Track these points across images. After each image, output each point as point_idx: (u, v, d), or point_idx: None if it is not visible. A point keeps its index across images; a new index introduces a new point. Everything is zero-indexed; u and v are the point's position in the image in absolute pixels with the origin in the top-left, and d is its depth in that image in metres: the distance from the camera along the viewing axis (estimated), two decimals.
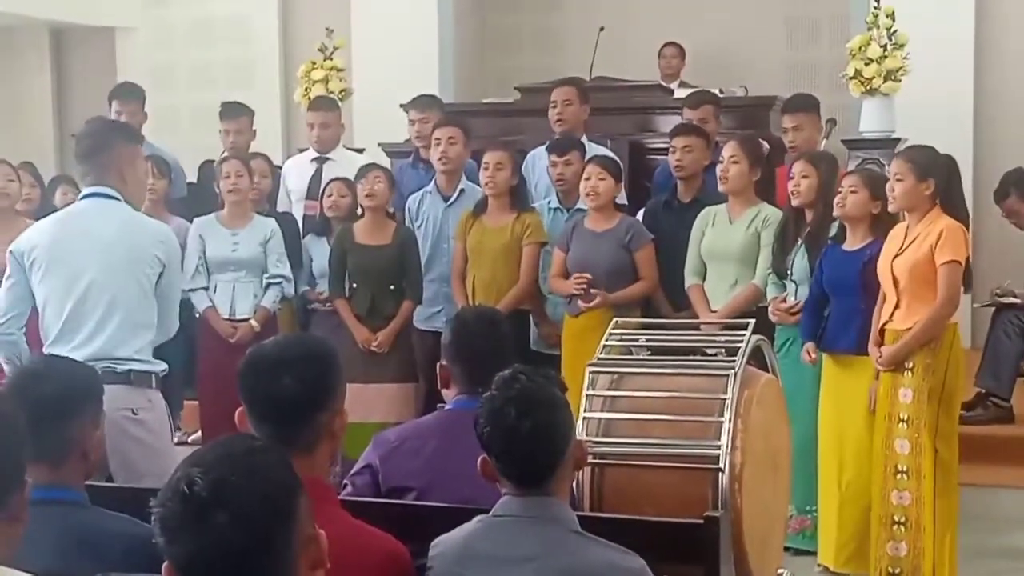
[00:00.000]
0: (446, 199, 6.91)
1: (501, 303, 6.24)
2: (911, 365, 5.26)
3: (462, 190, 6.89)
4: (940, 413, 5.24)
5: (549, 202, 6.84)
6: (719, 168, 6.18)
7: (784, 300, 5.90)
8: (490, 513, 2.78)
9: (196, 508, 1.80)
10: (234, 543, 1.80)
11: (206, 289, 6.67)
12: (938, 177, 5.31)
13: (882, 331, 5.36)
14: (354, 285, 6.60)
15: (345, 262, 6.61)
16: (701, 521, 3.03)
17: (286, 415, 2.69)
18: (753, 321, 4.12)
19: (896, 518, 5.26)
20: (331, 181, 7.04)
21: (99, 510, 2.86)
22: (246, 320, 6.62)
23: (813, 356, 5.64)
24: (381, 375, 6.31)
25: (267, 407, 2.72)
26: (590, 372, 3.88)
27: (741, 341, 3.90)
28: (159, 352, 4.71)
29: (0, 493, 2.12)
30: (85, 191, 4.60)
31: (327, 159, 7.72)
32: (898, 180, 5.32)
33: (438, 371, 3.62)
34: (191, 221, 6.83)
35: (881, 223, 5.53)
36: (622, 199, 6.71)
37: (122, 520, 2.78)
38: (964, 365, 5.56)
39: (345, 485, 3.43)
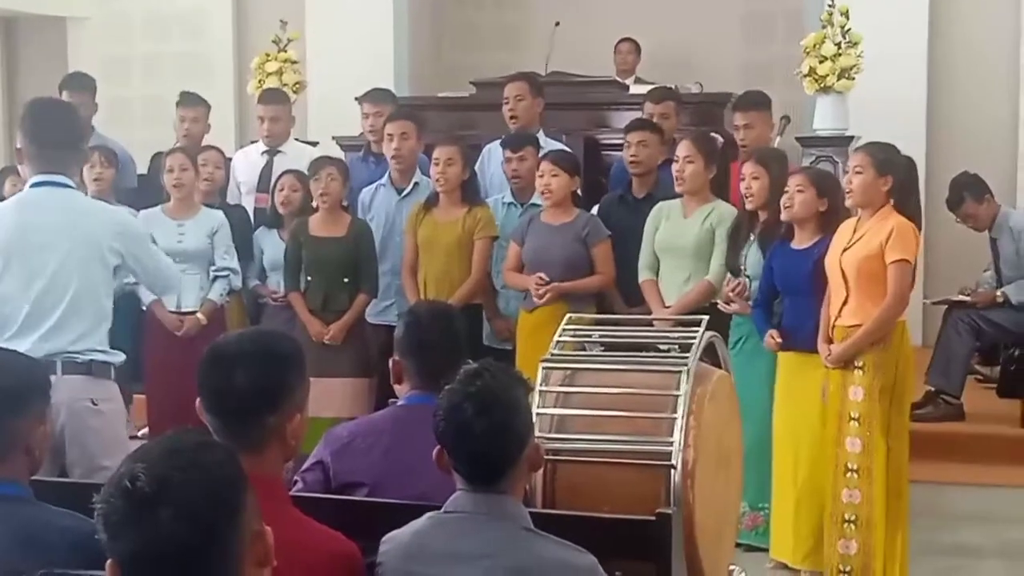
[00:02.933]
0: (400, 192, 6.89)
1: (453, 297, 6.22)
2: (861, 363, 5.26)
3: (416, 183, 6.87)
4: (891, 411, 5.25)
5: (503, 197, 6.82)
6: (674, 168, 6.17)
7: (729, 283, 5.90)
8: (441, 509, 2.76)
9: (139, 504, 1.78)
10: (177, 539, 1.78)
11: None
12: (896, 175, 5.33)
13: (832, 327, 5.37)
14: (309, 278, 6.56)
15: (300, 255, 6.56)
16: (653, 518, 3.02)
17: (234, 412, 2.65)
18: (707, 317, 4.10)
19: (846, 516, 5.27)
20: (283, 174, 6.99)
21: (44, 506, 2.81)
22: (193, 313, 6.54)
23: (778, 339, 5.62)
24: (335, 369, 6.23)
25: (217, 402, 2.68)
26: (543, 368, 3.85)
27: (694, 337, 3.88)
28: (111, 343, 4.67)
29: None
30: (41, 178, 4.51)
31: (278, 151, 7.67)
32: (857, 173, 5.32)
33: (391, 366, 3.60)
34: (139, 212, 6.76)
35: (828, 220, 5.54)
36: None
37: (68, 515, 2.74)
38: (914, 363, 5.59)
39: (296, 481, 3.40)
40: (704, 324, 3.99)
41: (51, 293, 4.42)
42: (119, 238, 4.55)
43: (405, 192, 6.86)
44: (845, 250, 5.33)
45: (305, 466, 3.45)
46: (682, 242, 6.14)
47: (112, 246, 4.52)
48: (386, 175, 6.97)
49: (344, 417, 5.42)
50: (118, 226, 4.61)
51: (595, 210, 6.68)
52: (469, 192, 6.57)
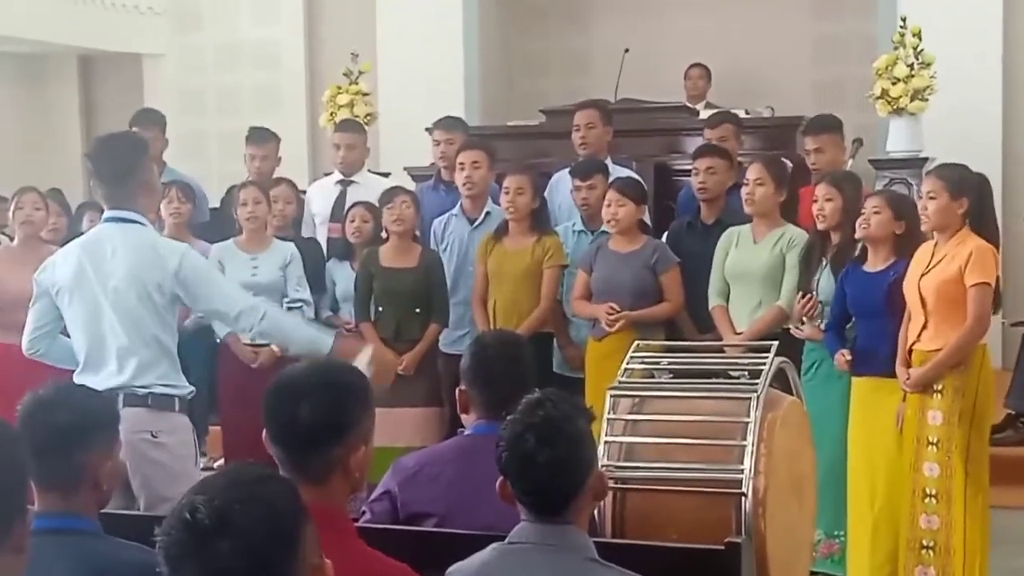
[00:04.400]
0: (472, 222, 6.90)
1: (521, 327, 6.22)
2: (940, 387, 5.19)
3: (488, 213, 6.88)
4: (971, 435, 5.17)
5: (573, 225, 6.81)
6: (744, 191, 6.13)
7: (801, 299, 5.83)
8: (505, 540, 2.74)
9: (199, 536, 1.78)
10: (236, 572, 1.78)
11: None
12: (971, 196, 5.26)
13: (910, 351, 5.30)
14: (379, 309, 6.58)
15: (371, 286, 6.58)
16: (723, 547, 2.99)
17: (298, 443, 2.66)
18: (776, 343, 4.07)
19: (925, 543, 5.19)
20: (354, 206, 7.02)
21: (113, 539, 2.83)
22: (267, 345, 6.56)
23: (848, 357, 5.55)
24: (407, 399, 6.22)
25: (281, 432, 2.69)
26: (611, 396, 3.83)
27: (764, 363, 3.85)
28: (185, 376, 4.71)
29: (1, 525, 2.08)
30: (109, 214, 4.58)
31: (351, 182, 7.69)
32: (931, 198, 5.26)
33: (457, 396, 3.59)
34: (212, 245, 6.81)
35: (904, 244, 5.47)
36: (648, 220, 6.68)
37: (135, 549, 2.75)
38: (994, 386, 5.49)
39: (364, 512, 3.40)
40: (774, 350, 3.95)
41: (109, 333, 4.46)
42: (174, 277, 4.52)
43: (477, 222, 6.88)
44: (923, 275, 5.26)
45: (373, 496, 3.46)
46: (752, 268, 6.09)
47: (168, 285, 4.51)
48: (458, 205, 6.99)
49: (416, 447, 5.41)
50: (175, 265, 4.54)
51: (664, 237, 6.65)
52: (539, 221, 6.58)
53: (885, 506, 5.46)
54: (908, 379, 5.26)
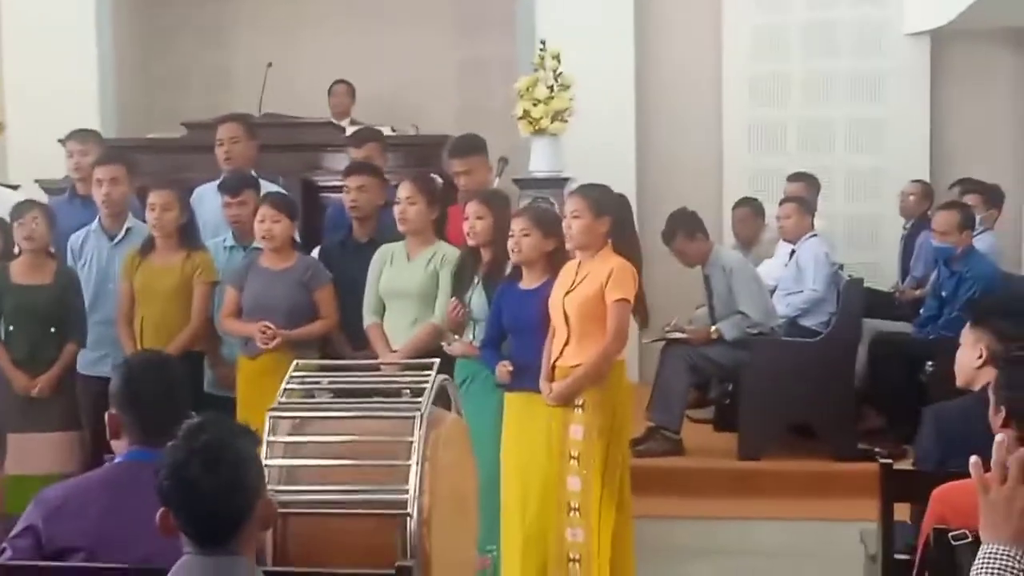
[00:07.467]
0: (112, 238, 6.63)
1: (171, 345, 6.01)
2: (581, 402, 5.31)
3: (129, 228, 6.62)
4: (610, 449, 5.30)
5: (224, 240, 6.64)
6: (396, 209, 6.09)
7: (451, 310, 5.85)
8: (169, 574, 2.59)
9: None
10: None
11: None
12: (613, 215, 5.41)
13: (554, 367, 5.39)
14: (10, 328, 6.25)
15: (2, 304, 6.23)
16: (392, 572, 2.92)
17: None
18: (438, 361, 4.05)
19: (571, 555, 5.29)
20: None
21: None
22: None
23: (510, 368, 5.57)
24: (43, 423, 5.98)
25: None
26: (271, 418, 3.71)
27: (426, 382, 3.81)
28: None
29: None
30: None
31: None
32: (575, 217, 5.38)
33: (107, 420, 3.40)
34: None
35: (556, 259, 5.57)
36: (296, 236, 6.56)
37: None
38: (632, 400, 5.65)
39: (4, 549, 3.15)
40: (435, 368, 3.93)
41: None
42: None
43: (118, 238, 6.62)
44: (568, 292, 5.37)
45: (15, 531, 3.21)
46: (407, 286, 6.05)
47: None
48: (96, 220, 6.68)
49: (54, 473, 5.18)
50: None
51: (315, 253, 6.56)
52: (187, 237, 6.38)
53: (536, 520, 5.51)
54: (550, 393, 5.34)
